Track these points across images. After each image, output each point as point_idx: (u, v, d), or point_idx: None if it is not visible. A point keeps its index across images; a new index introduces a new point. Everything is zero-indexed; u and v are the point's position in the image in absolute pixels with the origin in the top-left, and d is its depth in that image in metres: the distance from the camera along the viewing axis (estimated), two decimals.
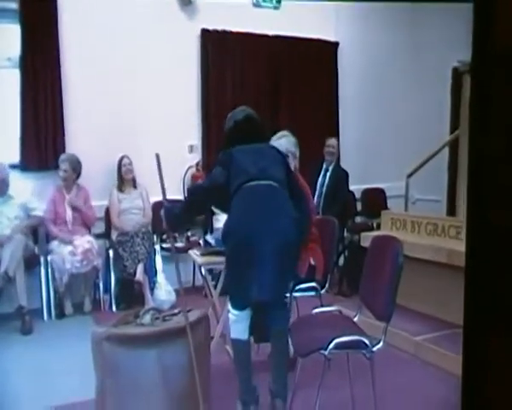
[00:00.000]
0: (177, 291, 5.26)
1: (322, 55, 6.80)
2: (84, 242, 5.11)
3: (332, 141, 6.14)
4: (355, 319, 3.09)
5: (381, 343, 2.82)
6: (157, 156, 3.10)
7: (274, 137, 3.89)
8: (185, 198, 3.46)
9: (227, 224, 2.99)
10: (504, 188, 0.95)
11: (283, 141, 3.87)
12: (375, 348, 2.81)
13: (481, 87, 0.96)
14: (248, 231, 2.86)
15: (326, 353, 2.71)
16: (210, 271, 4.25)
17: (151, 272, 5.21)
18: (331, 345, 2.72)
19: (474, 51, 0.92)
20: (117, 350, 2.75)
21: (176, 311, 3.10)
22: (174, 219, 3.23)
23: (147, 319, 2.90)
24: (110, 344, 2.76)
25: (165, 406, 2.78)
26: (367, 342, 2.79)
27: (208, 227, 5.85)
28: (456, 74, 6.83)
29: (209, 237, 4.15)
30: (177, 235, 5.50)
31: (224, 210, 3.32)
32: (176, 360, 2.81)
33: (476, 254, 0.99)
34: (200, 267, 4.34)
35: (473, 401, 1.02)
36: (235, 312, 2.99)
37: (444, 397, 3.40)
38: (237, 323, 2.99)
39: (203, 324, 3.00)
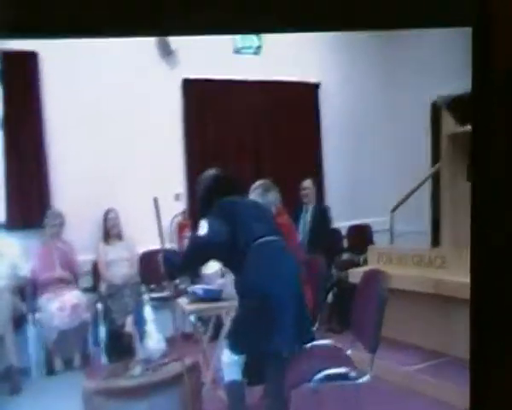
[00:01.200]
0: (167, 340, 5.24)
1: (303, 97, 6.92)
2: (73, 297, 5.07)
3: (306, 183, 6.21)
4: (348, 353, 3.09)
5: (368, 375, 2.85)
6: (155, 201, 3.20)
7: (255, 187, 3.91)
8: (187, 250, 3.44)
9: (245, 282, 3.07)
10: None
11: (270, 197, 3.93)
12: (360, 380, 2.83)
13: (483, 114, 0.99)
14: (268, 289, 2.95)
15: (311, 385, 2.75)
16: (199, 318, 4.25)
17: (140, 322, 5.16)
18: (318, 376, 2.74)
19: (474, 77, 0.96)
20: (107, 404, 2.74)
21: (166, 360, 3.11)
22: (174, 269, 3.35)
23: (137, 370, 2.89)
24: (101, 398, 2.75)
25: None
26: (353, 373, 2.82)
27: (195, 274, 5.87)
28: (435, 109, 7.00)
29: (197, 289, 4.14)
30: (177, 281, 5.51)
31: (227, 264, 3.40)
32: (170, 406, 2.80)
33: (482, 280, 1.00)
34: (188, 315, 4.31)
35: None
36: (234, 356, 3.02)
37: None
38: (233, 366, 3.02)
39: (195, 371, 3.01)
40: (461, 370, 3.95)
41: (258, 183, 4.02)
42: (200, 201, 3.47)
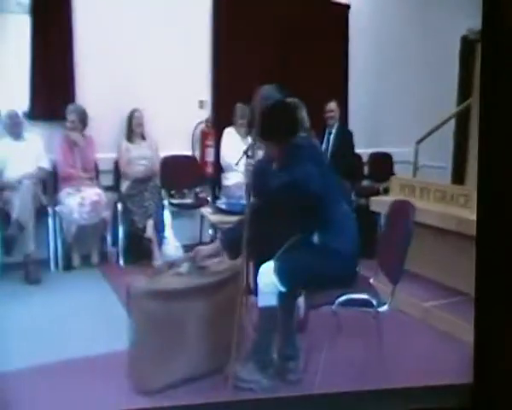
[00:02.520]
0: (184, 247, 5.32)
1: (333, 16, 6.72)
2: (93, 194, 5.10)
3: (331, 105, 6.10)
4: (371, 281, 3.14)
5: (387, 305, 2.89)
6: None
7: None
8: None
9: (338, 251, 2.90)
10: None
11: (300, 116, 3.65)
12: (380, 309, 2.88)
13: (492, 62, 0.97)
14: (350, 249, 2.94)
15: (332, 307, 2.79)
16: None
17: (160, 227, 5.21)
18: (339, 300, 2.79)
19: (484, 28, 0.94)
20: (159, 304, 2.82)
21: (207, 262, 3.11)
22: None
23: (185, 267, 2.96)
24: (150, 298, 2.83)
25: (204, 356, 2.91)
26: (374, 301, 2.86)
27: (216, 184, 5.90)
28: (465, 43, 6.80)
29: (220, 203, 4.13)
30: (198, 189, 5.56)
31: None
32: (215, 311, 2.92)
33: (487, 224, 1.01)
34: (211, 225, 4.34)
35: (485, 371, 1.05)
36: (279, 286, 2.89)
37: (449, 360, 3.42)
38: (272, 293, 2.88)
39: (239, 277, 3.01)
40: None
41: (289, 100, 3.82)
42: (266, 126, 2.93)
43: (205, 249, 3.19)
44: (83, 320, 3.86)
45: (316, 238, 2.92)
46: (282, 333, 3.12)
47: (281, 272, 2.85)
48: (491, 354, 1.05)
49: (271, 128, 2.92)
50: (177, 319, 2.88)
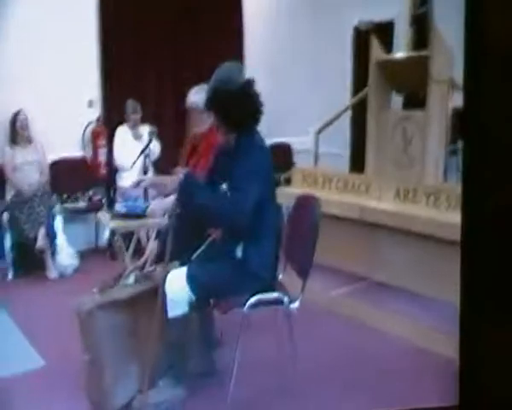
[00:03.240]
0: (79, 254, 5.04)
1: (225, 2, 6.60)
2: None
3: None
4: (280, 277, 3.06)
5: (298, 300, 2.84)
6: None
7: (191, 92, 3.53)
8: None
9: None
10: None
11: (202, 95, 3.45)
12: (292, 305, 2.83)
13: (475, 81, 0.89)
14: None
15: (243, 310, 2.70)
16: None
17: (52, 235, 4.87)
18: (250, 302, 2.70)
19: (467, 45, 0.86)
20: (113, 316, 2.78)
21: (152, 269, 3.07)
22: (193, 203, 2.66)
23: (131, 279, 2.93)
24: (104, 312, 2.75)
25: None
26: (285, 299, 2.80)
27: (111, 185, 5.62)
28: (358, 33, 6.97)
29: (119, 207, 3.90)
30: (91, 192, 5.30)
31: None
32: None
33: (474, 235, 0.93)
34: (111, 231, 4.10)
35: (470, 386, 0.97)
36: (191, 296, 2.74)
37: (361, 348, 3.53)
38: (183, 301, 2.74)
39: None
40: (381, 293, 4.15)
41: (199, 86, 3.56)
42: (224, 109, 2.68)
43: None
44: None
45: (239, 251, 2.75)
46: (196, 344, 3.02)
47: (192, 282, 2.69)
48: (477, 373, 0.95)
49: (237, 115, 2.66)
50: (130, 329, 2.84)
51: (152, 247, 3.17)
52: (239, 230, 2.65)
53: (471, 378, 1.00)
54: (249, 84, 2.71)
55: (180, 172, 2.70)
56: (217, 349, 3.17)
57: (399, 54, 5.40)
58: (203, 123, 3.36)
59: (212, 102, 2.72)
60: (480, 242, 0.95)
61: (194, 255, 2.90)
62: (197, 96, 3.34)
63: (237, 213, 2.55)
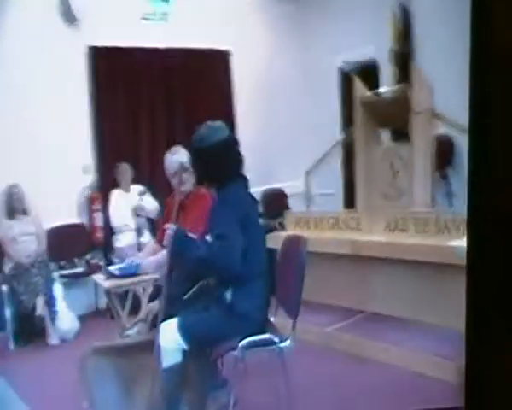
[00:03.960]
0: (80, 317, 5.05)
1: (214, 63, 6.78)
2: None
3: None
4: (271, 319, 3.06)
5: (289, 339, 2.84)
6: None
7: (168, 154, 3.63)
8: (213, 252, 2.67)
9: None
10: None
11: (175, 157, 3.48)
12: (283, 344, 2.82)
13: (481, 85, 0.92)
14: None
15: (236, 353, 2.71)
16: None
17: (51, 302, 4.89)
18: (242, 344, 2.70)
19: (473, 49, 0.89)
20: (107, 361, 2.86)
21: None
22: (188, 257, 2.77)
23: (134, 331, 3.12)
24: (98, 356, 2.87)
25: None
26: (276, 339, 2.80)
27: (108, 248, 5.67)
28: (342, 74, 7.13)
29: (112, 270, 3.96)
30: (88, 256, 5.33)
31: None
32: None
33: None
34: (106, 292, 4.13)
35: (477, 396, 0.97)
36: (184, 345, 2.75)
37: (360, 382, 3.49)
38: (176, 351, 2.76)
39: None
40: (378, 324, 4.11)
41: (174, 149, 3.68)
42: (203, 167, 2.84)
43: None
44: None
45: (228, 296, 2.77)
46: (192, 393, 2.97)
47: (184, 331, 2.72)
48: (483, 378, 0.95)
49: (213, 170, 2.80)
50: (125, 377, 2.87)
51: (152, 306, 3.20)
52: (230, 275, 2.69)
53: (478, 404, 0.99)
54: (225, 141, 2.82)
55: (169, 228, 2.76)
56: (226, 387, 3.10)
57: (382, 89, 5.51)
58: (187, 182, 3.44)
59: (191, 161, 2.93)
60: (486, 264, 0.95)
61: (184, 298, 2.93)
62: (174, 157, 3.44)
63: (227, 259, 2.61)
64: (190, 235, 2.79)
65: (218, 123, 2.91)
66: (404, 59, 6.06)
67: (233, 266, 2.61)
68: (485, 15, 0.83)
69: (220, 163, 2.77)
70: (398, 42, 6.25)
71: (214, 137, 2.79)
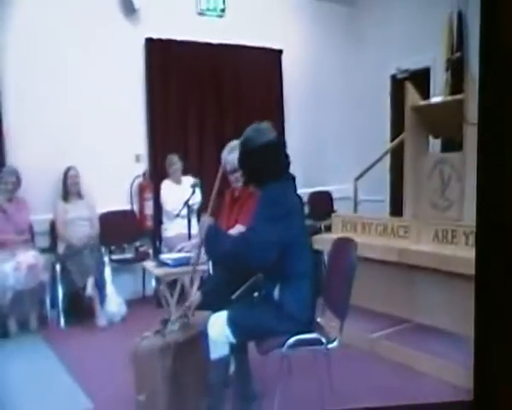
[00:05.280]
0: (127, 302, 5.20)
1: (266, 62, 6.86)
2: (29, 257, 4.90)
3: None
4: (318, 320, 3.12)
5: (336, 341, 2.89)
6: None
7: (225, 150, 3.72)
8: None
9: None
10: None
11: (233, 155, 3.40)
12: (330, 346, 2.87)
13: (491, 92, 0.98)
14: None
15: (282, 350, 2.76)
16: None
17: (101, 285, 5.06)
18: (289, 343, 2.76)
19: (482, 53, 0.94)
20: (169, 357, 2.96)
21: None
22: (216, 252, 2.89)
23: (176, 326, 3.11)
24: (163, 353, 2.96)
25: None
26: (323, 339, 2.86)
27: (156, 236, 5.82)
28: (394, 81, 7.13)
29: (165, 258, 4.07)
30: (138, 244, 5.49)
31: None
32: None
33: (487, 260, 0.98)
34: (156, 278, 4.26)
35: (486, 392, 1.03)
36: (231, 338, 2.84)
37: (401, 390, 3.51)
38: (224, 343, 2.87)
39: None
40: (422, 335, 4.12)
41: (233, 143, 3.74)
42: (248, 167, 2.93)
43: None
44: (27, 390, 3.67)
45: (276, 293, 2.85)
46: (238, 378, 3.16)
47: (232, 325, 2.80)
48: (492, 374, 1.02)
49: (257, 171, 2.86)
50: (179, 370, 2.98)
51: (195, 298, 3.29)
52: (263, 268, 2.79)
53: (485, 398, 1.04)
54: (270, 143, 2.86)
55: (204, 222, 2.88)
56: (255, 402, 3.21)
57: (435, 99, 5.49)
58: (237, 179, 3.53)
59: (238, 162, 2.99)
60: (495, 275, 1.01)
61: (234, 296, 3.02)
62: (230, 155, 3.51)
63: (253, 251, 2.67)
64: (221, 230, 2.96)
65: (265, 124, 2.96)
66: (458, 68, 6.02)
67: (259, 257, 2.68)
68: (494, 18, 0.87)
69: (265, 165, 2.83)
70: (454, 50, 6.21)
71: (260, 139, 2.85)
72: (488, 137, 0.98)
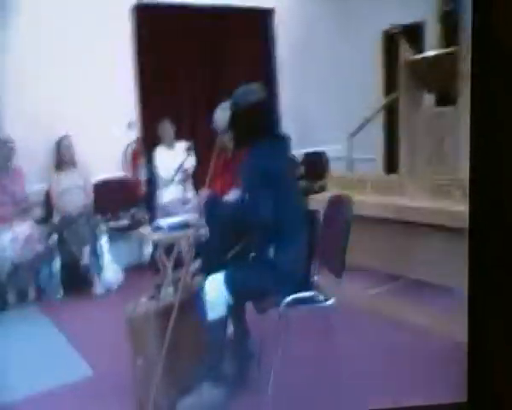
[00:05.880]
0: (124, 270, 5.21)
1: (258, 22, 6.78)
2: (26, 228, 4.90)
3: None
4: (315, 278, 3.11)
5: (333, 298, 2.89)
6: None
7: (216, 112, 3.66)
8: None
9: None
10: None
11: (225, 114, 3.26)
12: (327, 303, 2.87)
13: (483, 83, 0.95)
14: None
15: (279, 309, 2.77)
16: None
17: (97, 253, 5.07)
18: (285, 301, 2.76)
19: (474, 47, 0.92)
20: (165, 320, 2.92)
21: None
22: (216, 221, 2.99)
23: (169, 290, 3.11)
24: (159, 316, 2.96)
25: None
26: (320, 297, 2.87)
27: (152, 202, 5.79)
28: (387, 36, 7.02)
29: (161, 223, 4.05)
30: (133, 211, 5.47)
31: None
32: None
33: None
34: (153, 243, 4.26)
35: (480, 389, 1.01)
36: (228, 298, 2.86)
37: (404, 344, 3.55)
38: (221, 304, 2.87)
39: None
40: (419, 290, 4.14)
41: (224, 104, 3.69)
42: (237, 127, 2.93)
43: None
44: (27, 360, 3.70)
45: (271, 252, 2.86)
46: (236, 337, 3.19)
47: (229, 285, 2.82)
48: (486, 372, 1.00)
49: (245, 131, 2.86)
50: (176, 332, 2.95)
51: (194, 265, 3.31)
52: (260, 228, 2.80)
53: (480, 373, 1.03)
54: (259, 101, 2.85)
55: (202, 194, 2.94)
56: (253, 359, 3.24)
57: (428, 53, 5.42)
58: (230, 140, 3.49)
59: (229, 123, 2.98)
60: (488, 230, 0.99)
61: (229, 255, 3.02)
62: (221, 115, 3.46)
63: (253, 213, 2.71)
64: (221, 200, 3.02)
65: (254, 85, 2.93)
66: (452, 20, 5.93)
67: (258, 217, 2.71)
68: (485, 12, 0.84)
69: (254, 124, 2.83)
70: (446, 3, 6.11)
71: (249, 99, 2.84)
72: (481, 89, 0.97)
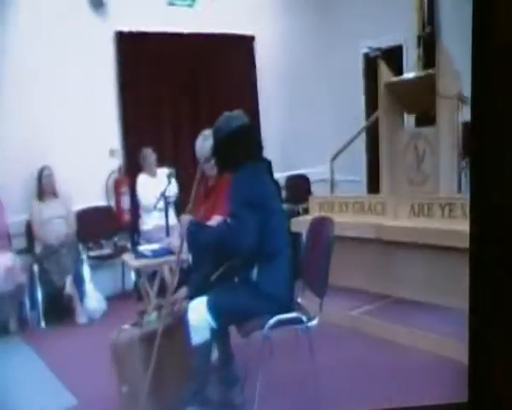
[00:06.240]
0: (107, 298, 5.16)
1: (239, 49, 6.82)
2: (6, 259, 4.84)
3: None
4: (298, 300, 3.11)
5: (316, 319, 2.90)
6: None
7: (199, 140, 3.67)
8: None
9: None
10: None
11: (207, 143, 3.33)
12: (310, 324, 2.88)
13: (483, 83, 0.96)
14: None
15: (263, 331, 2.77)
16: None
17: (79, 282, 5.02)
18: (269, 323, 2.76)
19: (474, 47, 0.93)
20: (149, 346, 2.92)
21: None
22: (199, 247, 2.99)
23: (153, 316, 3.12)
24: (143, 343, 2.97)
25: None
26: (303, 318, 2.87)
27: (134, 230, 5.77)
28: (367, 59, 7.12)
29: (144, 250, 4.03)
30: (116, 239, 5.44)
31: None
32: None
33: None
34: (135, 271, 4.22)
35: (481, 392, 1.01)
36: (211, 322, 2.84)
37: (383, 363, 3.54)
38: (205, 328, 2.85)
39: None
40: (402, 309, 4.14)
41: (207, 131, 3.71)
42: (221, 154, 2.95)
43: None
44: (10, 390, 3.57)
45: (254, 275, 2.87)
46: (220, 362, 3.17)
47: (212, 309, 2.81)
48: (486, 373, 1.00)
49: (228, 158, 2.89)
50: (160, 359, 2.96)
51: (181, 293, 3.29)
52: (243, 252, 2.77)
53: (480, 373, 1.02)
54: (241, 128, 2.89)
55: (184, 220, 2.92)
56: (238, 385, 3.21)
57: (407, 74, 5.50)
58: (212, 168, 3.50)
59: (212, 150, 3.03)
60: (488, 250, 0.99)
61: (212, 278, 3.03)
62: (204, 144, 3.47)
63: (236, 238, 2.69)
64: (203, 224, 2.99)
65: (236, 112, 2.97)
66: (429, 44, 6.03)
67: (244, 243, 2.70)
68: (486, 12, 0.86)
69: (237, 150, 2.86)
70: (424, 26, 6.22)
71: (231, 125, 2.88)
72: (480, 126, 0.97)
